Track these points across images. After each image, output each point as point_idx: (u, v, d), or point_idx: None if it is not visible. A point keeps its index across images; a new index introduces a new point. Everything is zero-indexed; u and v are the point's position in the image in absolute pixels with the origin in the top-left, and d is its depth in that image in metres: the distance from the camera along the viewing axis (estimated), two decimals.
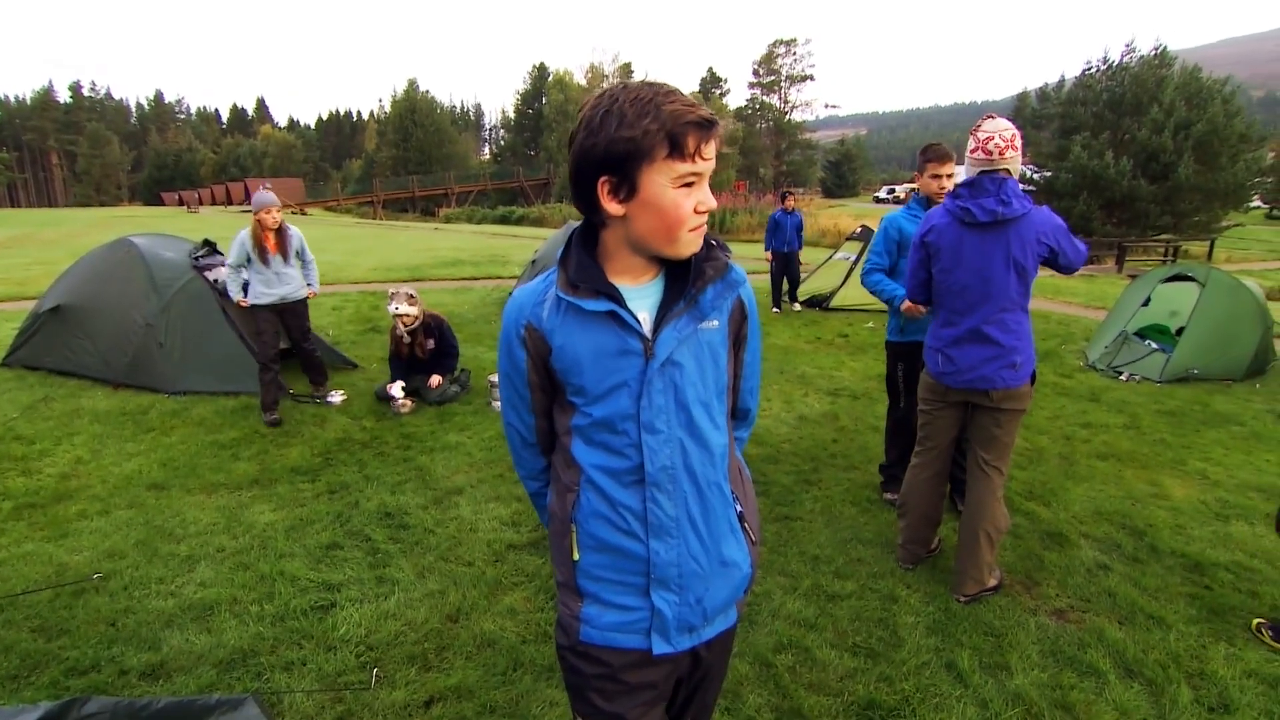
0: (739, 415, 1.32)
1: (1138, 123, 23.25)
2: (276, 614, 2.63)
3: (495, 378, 4.50)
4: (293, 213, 38.48)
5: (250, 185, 51.37)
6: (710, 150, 1.01)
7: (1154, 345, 6.28)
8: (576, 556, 1.17)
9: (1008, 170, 2.53)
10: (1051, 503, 3.62)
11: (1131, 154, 22.81)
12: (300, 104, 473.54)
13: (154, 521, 3.35)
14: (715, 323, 1.11)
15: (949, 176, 3.20)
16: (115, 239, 6.07)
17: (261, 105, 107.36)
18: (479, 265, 13.96)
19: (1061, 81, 28.21)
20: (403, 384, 5.10)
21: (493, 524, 3.34)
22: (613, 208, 1.03)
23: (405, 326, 5.16)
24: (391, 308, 5.12)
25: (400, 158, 51.70)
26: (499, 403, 1.33)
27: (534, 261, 7.36)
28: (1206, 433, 4.75)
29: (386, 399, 5.11)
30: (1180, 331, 6.21)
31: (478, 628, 2.55)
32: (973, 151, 2.55)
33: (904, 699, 2.21)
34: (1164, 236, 22.01)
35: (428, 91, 57.03)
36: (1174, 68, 24.10)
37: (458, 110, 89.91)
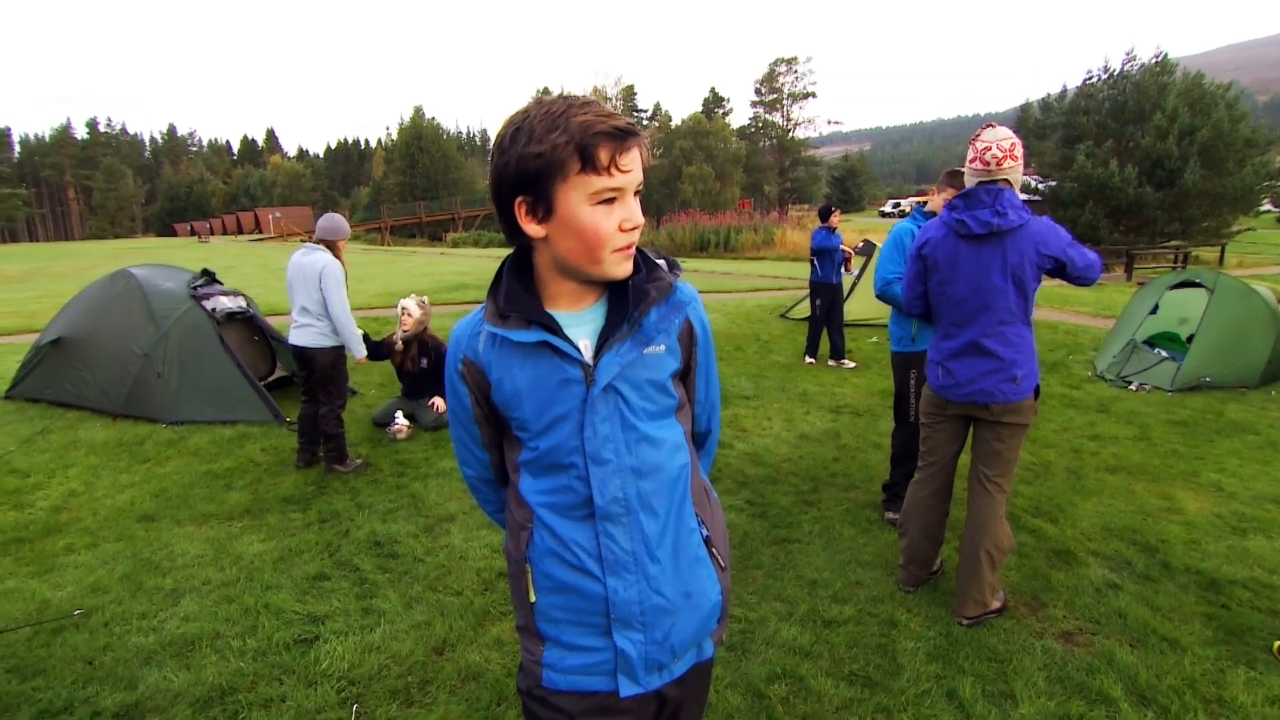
0: (699, 440, 1.25)
1: (1141, 130, 23.14)
2: (259, 648, 2.57)
3: None
4: (301, 240, 38.92)
5: (260, 215, 52.04)
6: (629, 161, 0.94)
7: (1164, 353, 6.15)
8: (533, 598, 1.10)
9: (1007, 181, 2.47)
10: (1059, 519, 3.51)
11: (1136, 161, 22.67)
12: (309, 133, 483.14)
13: (141, 554, 3.30)
14: (661, 347, 1.05)
15: None
16: (115, 270, 6.11)
17: (271, 135, 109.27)
18: (483, 289, 13.93)
19: (1064, 91, 28.18)
20: (366, 354, 4.78)
21: (484, 551, 3.27)
22: (532, 229, 0.98)
23: (403, 331, 5.17)
24: (399, 304, 5.20)
25: (407, 184, 52.18)
26: None
27: None
28: (1220, 443, 4.62)
29: (383, 425, 5.10)
30: (1191, 339, 6.09)
31: (463, 660, 2.48)
32: (971, 162, 2.50)
33: None
34: (1173, 243, 21.78)
35: (434, 118, 57.69)
36: (1176, 74, 24.04)
37: (463, 136, 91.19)
